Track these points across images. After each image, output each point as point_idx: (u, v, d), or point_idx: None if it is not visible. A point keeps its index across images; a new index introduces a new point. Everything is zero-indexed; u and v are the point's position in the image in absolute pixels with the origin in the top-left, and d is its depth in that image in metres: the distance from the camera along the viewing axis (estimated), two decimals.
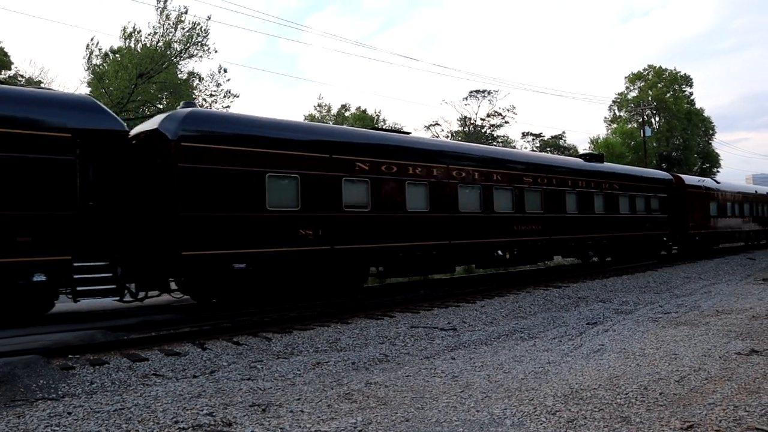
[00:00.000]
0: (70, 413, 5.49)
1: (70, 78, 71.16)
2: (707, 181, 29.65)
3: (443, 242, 15.38)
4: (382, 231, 13.93)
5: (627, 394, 5.79)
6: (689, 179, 27.76)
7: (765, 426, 4.75)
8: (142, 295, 11.60)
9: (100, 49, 32.80)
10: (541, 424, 4.97)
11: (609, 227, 21.08)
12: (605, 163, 23.29)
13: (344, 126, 41.19)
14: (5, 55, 33.13)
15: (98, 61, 32.65)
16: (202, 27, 32.42)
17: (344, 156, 13.47)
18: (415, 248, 14.62)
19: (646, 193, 23.68)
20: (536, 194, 18.19)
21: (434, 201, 15.17)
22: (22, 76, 32.95)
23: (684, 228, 25.76)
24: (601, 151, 58.38)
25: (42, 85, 32.25)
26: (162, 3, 31.71)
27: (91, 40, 34.73)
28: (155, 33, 31.95)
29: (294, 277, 12.77)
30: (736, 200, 31.72)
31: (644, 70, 66.30)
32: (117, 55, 32.16)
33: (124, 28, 32.58)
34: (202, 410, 5.52)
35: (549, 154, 23.05)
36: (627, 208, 22.28)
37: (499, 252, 16.76)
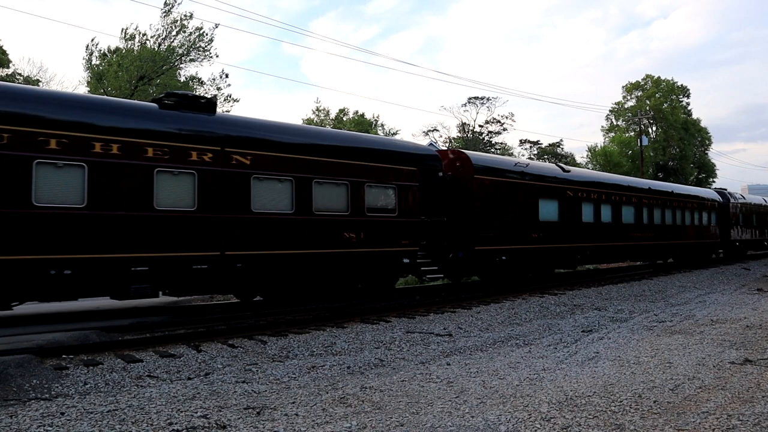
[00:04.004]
0: (63, 413, 5.47)
1: (68, 77, 71.13)
2: (536, 166, 19.30)
3: None
4: None
5: (621, 401, 5.80)
6: (482, 158, 17.47)
7: None
8: None
9: (99, 50, 32.82)
10: (536, 430, 4.97)
11: (216, 240, 11.04)
12: (227, 113, 11.11)
13: None
14: (3, 53, 33.08)
15: (97, 62, 32.64)
16: (205, 33, 32.46)
17: None
18: None
19: (354, 179, 13.21)
20: None
21: None
22: (20, 74, 32.92)
23: (470, 242, 15.68)
24: (598, 159, 58.48)
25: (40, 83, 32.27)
26: (167, 6, 31.75)
27: (92, 40, 34.75)
28: (158, 36, 32.00)
29: None
30: (607, 200, 21.25)
31: (642, 79, 66.73)
32: (115, 56, 32.13)
33: (125, 29, 32.55)
34: (197, 412, 5.50)
35: None
36: (285, 203, 12.08)
37: None
